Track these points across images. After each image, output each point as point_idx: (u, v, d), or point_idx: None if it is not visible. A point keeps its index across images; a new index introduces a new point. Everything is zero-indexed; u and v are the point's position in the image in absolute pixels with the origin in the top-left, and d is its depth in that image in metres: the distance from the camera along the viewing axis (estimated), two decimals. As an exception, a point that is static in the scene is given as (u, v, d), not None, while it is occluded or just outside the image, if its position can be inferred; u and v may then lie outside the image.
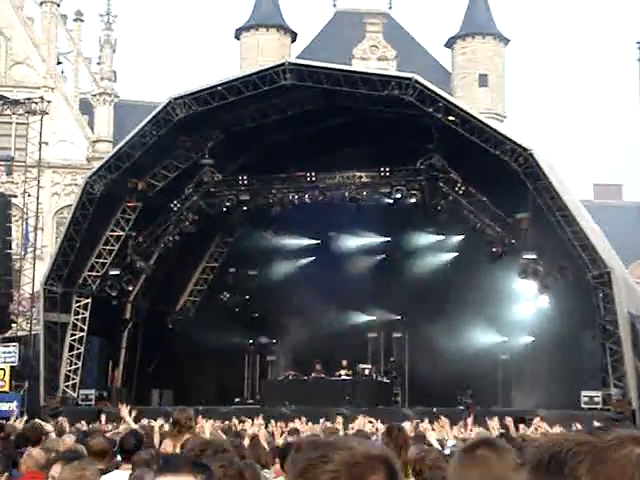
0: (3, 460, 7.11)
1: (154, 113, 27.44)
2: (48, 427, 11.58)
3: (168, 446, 7.13)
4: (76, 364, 28.77)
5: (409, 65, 41.30)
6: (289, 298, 30.44)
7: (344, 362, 28.17)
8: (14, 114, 36.96)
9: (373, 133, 27.03)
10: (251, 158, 29.51)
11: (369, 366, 29.01)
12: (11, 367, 27.98)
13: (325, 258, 31.23)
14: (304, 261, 32.66)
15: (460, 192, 27.73)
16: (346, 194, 29.04)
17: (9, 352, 28.26)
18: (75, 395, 28.27)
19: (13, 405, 26.50)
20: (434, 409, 21.19)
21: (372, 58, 50.04)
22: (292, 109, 28.06)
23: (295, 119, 28.02)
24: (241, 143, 28.72)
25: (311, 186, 29.23)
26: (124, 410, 9.75)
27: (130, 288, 30.32)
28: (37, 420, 13.09)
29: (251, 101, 27.20)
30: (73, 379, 28.65)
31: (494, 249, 27.83)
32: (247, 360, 33.47)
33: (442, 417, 11.88)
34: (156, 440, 8.64)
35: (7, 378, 27.79)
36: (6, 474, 6.82)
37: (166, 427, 9.89)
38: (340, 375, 27.98)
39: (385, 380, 29.65)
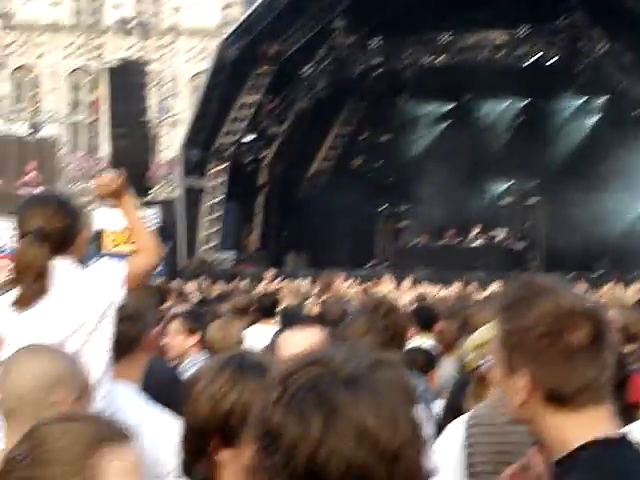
0: None
1: (286, -27, 26.93)
2: (190, 287, 12.00)
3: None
4: (214, 228, 29.53)
5: None
6: (423, 164, 30.10)
7: (477, 228, 27.90)
8: (148, -21, 37.01)
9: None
10: (384, 19, 28.71)
11: (504, 232, 28.64)
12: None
13: (460, 122, 30.58)
14: (438, 126, 32.10)
15: (603, 51, 26.38)
16: (482, 56, 28.09)
17: (151, 214, 29.17)
18: (213, 257, 29.13)
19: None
20: (571, 274, 20.78)
21: None
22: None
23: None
24: (374, 3, 27.94)
25: (445, 48, 28.39)
26: (269, 273, 10.13)
27: (265, 153, 30.61)
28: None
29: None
30: (212, 242, 29.48)
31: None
32: (379, 225, 33.57)
33: (581, 282, 11.63)
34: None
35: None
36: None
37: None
38: (474, 241, 27.77)
39: (519, 246, 29.24)
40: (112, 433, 1.77)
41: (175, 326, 5.68)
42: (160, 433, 3.09)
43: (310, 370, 1.31)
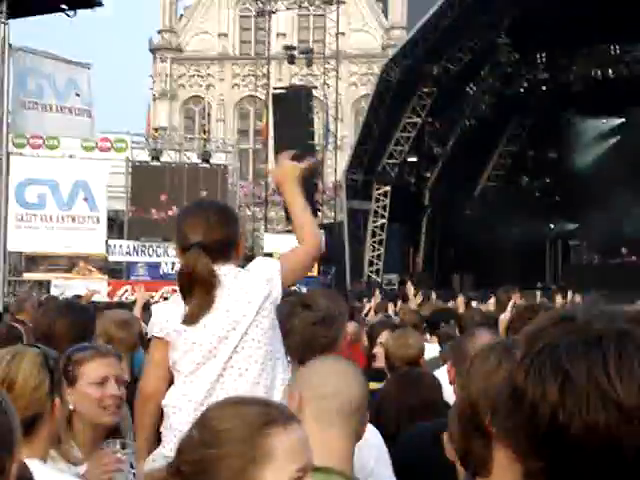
0: None
1: (448, -6, 26.82)
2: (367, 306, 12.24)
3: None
4: (379, 250, 29.60)
5: None
6: (592, 180, 29.17)
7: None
8: (311, 6, 37.68)
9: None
10: (549, 34, 28.09)
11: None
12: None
13: (630, 138, 29.47)
14: (608, 142, 31.07)
15: None
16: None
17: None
18: (379, 279, 29.18)
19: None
20: None
21: None
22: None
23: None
24: (538, 18, 27.36)
25: (615, 60, 27.50)
26: (410, 288, 9.95)
27: (428, 174, 30.49)
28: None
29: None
30: (376, 264, 29.56)
31: None
32: (548, 245, 32.78)
33: None
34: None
35: (315, 264, 29.18)
36: None
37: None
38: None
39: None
40: (279, 414, 1.83)
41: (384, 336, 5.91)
42: (365, 438, 3.10)
43: (555, 330, 1.26)
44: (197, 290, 3.31)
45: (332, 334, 3.50)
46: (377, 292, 11.51)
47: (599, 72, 27.89)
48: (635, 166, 27.65)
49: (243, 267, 3.48)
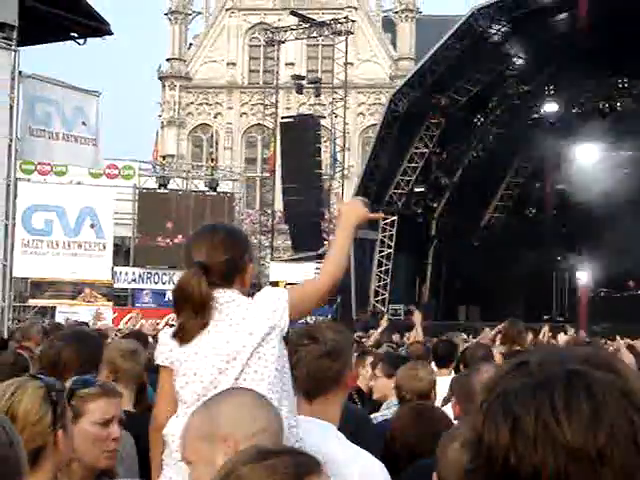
0: None
1: (457, 26, 26.98)
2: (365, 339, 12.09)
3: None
4: (385, 280, 29.55)
5: None
6: (599, 212, 29.13)
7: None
8: (320, 36, 37.90)
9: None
10: (558, 67, 28.24)
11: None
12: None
13: (637, 171, 29.51)
14: (615, 174, 31.05)
15: None
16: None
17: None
18: (385, 310, 29.09)
19: (325, 319, 27.79)
20: None
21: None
22: (603, 10, 26.37)
23: (604, 22, 26.33)
24: (546, 52, 27.53)
25: (623, 93, 27.59)
26: (417, 315, 9.80)
27: (435, 205, 30.51)
28: None
29: (557, 7, 25.93)
30: (382, 294, 29.50)
31: None
32: (555, 277, 32.70)
33: None
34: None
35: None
36: None
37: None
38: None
39: None
40: (308, 465, 1.78)
41: (378, 369, 5.92)
42: (372, 474, 3.02)
43: (509, 376, 1.30)
44: (187, 309, 3.29)
45: (338, 367, 3.42)
46: (385, 317, 11.37)
47: (606, 105, 27.97)
48: (639, 197, 27.68)
49: (250, 296, 3.42)
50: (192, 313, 3.28)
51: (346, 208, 3.74)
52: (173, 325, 3.43)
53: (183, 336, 3.31)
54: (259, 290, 3.51)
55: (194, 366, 3.27)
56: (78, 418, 3.17)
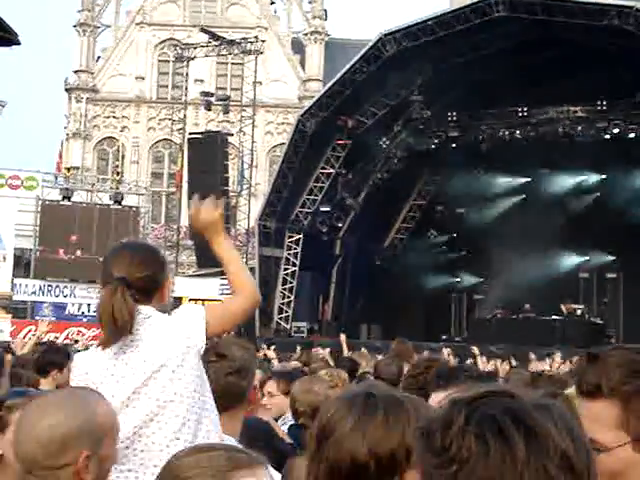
0: None
1: (365, 50, 27.55)
2: (270, 354, 12.23)
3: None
4: (289, 297, 29.76)
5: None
6: (498, 237, 29.93)
7: (554, 301, 27.58)
8: (230, 54, 38.07)
9: (589, 65, 25.88)
10: (460, 94, 29.02)
11: (581, 307, 28.25)
12: (228, 299, 29.28)
13: (536, 196, 30.47)
14: (514, 199, 32.01)
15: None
16: (559, 130, 28.08)
17: (227, 284, 29.59)
18: (288, 327, 29.30)
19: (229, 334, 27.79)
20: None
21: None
22: (503, 42, 27.30)
23: (506, 53, 27.26)
24: (450, 79, 28.27)
25: (523, 122, 28.48)
26: (343, 338, 10.40)
27: (340, 224, 30.90)
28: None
29: (461, 35, 26.74)
30: (286, 312, 29.69)
31: None
32: (454, 298, 33.43)
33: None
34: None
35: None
36: None
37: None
38: (550, 314, 27.44)
39: (599, 321, 28.77)
40: (243, 458, 1.83)
41: (272, 386, 5.87)
42: None
43: (497, 398, 1.34)
44: (110, 321, 3.26)
45: (245, 384, 3.53)
46: (342, 336, 11.37)
47: (507, 133, 28.83)
48: (538, 224, 28.54)
49: (167, 312, 3.43)
50: (113, 325, 3.25)
51: (196, 220, 3.62)
52: (77, 341, 3.45)
53: (104, 343, 3.29)
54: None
55: (111, 389, 3.21)
56: (4, 429, 3.15)
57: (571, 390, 3.93)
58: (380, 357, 10.23)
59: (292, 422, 5.19)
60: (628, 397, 1.88)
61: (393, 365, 6.48)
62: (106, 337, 3.29)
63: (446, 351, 13.32)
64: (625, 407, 1.88)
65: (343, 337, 10.72)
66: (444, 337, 30.09)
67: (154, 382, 3.23)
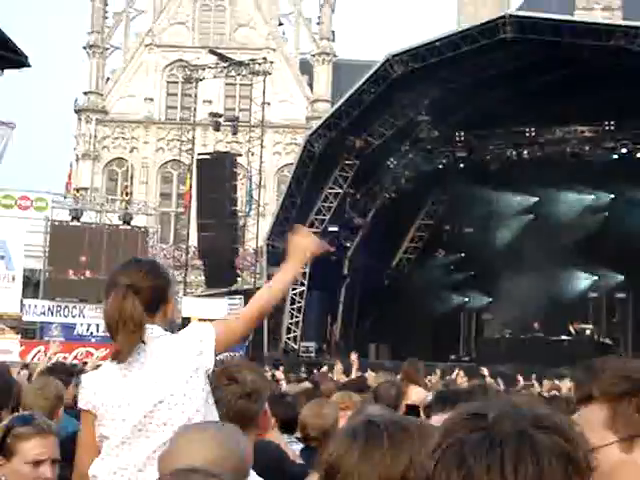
0: None
1: (372, 71, 27.66)
2: (278, 374, 12.27)
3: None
4: (297, 317, 29.75)
5: (635, 14, 39.17)
6: (506, 256, 29.96)
7: (563, 321, 27.52)
8: (238, 75, 38.24)
9: (596, 86, 25.91)
10: (468, 114, 29.13)
11: (590, 326, 28.18)
12: (237, 318, 29.30)
13: (544, 216, 30.48)
14: (522, 219, 32.02)
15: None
16: (567, 150, 28.16)
17: (235, 304, 29.62)
18: (296, 347, 29.28)
19: (237, 354, 27.80)
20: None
21: (596, 8, 47.91)
22: (511, 63, 27.38)
23: (514, 73, 27.34)
24: (458, 99, 28.37)
25: (530, 142, 28.55)
26: (354, 357, 10.46)
27: (348, 244, 30.93)
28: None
29: (469, 56, 26.83)
30: (294, 331, 29.68)
31: None
32: (462, 318, 33.39)
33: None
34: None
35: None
36: None
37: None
38: (560, 334, 27.37)
39: (607, 341, 28.69)
40: None
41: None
42: None
43: (467, 425, 1.37)
44: (121, 328, 3.22)
45: (257, 408, 3.53)
46: (354, 355, 11.39)
47: (514, 152, 28.88)
48: (547, 244, 28.54)
49: (174, 331, 3.43)
50: (128, 332, 3.22)
51: (298, 242, 3.82)
52: (86, 362, 3.42)
53: (120, 355, 3.27)
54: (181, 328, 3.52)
55: (121, 412, 3.22)
56: (11, 457, 3.16)
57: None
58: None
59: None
60: (615, 399, 1.93)
61: (393, 388, 6.45)
62: (120, 346, 3.25)
63: (460, 372, 13.29)
64: (613, 408, 1.93)
65: (354, 356, 10.75)
66: (452, 357, 30.03)
67: (163, 405, 3.23)
